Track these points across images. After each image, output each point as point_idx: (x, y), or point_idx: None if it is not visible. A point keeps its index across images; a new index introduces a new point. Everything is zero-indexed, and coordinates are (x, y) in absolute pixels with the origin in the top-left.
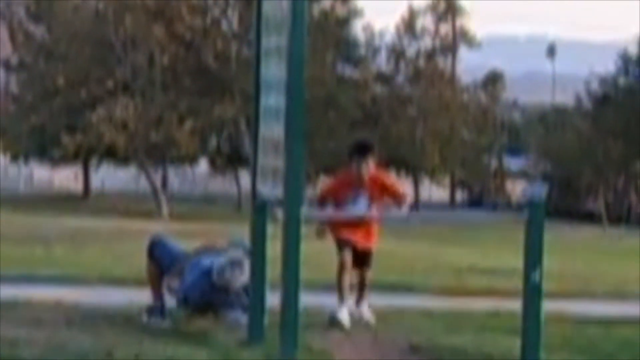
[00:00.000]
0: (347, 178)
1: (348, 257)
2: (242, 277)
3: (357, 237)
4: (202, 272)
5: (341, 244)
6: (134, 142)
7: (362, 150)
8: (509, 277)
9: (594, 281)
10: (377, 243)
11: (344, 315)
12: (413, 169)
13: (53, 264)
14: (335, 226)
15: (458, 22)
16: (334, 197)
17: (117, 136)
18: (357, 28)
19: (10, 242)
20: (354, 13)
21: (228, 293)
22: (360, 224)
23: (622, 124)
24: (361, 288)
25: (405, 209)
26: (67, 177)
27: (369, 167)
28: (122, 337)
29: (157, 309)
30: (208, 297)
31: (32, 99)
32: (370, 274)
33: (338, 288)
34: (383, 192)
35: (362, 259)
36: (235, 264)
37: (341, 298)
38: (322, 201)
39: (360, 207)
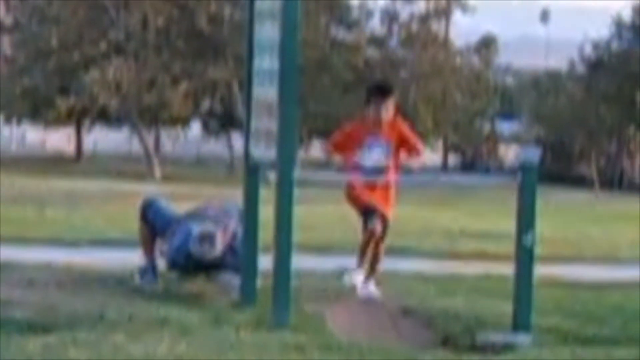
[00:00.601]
0: (363, 123)
1: (379, 226)
2: (213, 250)
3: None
4: (186, 237)
5: (369, 212)
6: (127, 104)
7: (382, 92)
8: (500, 241)
9: (585, 246)
10: (394, 209)
11: (358, 280)
12: None
13: (45, 226)
14: (354, 189)
15: None
16: (347, 145)
17: (110, 98)
18: None
19: (2, 204)
20: None
21: (203, 264)
22: (377, 183)
23: (615, 89)
24: (374, 261)
25: (417, 165)
26: (59, 139)
27: (389, 111)
28: (114, 299)
29: (149, 270)
30: (192, 262)
31: (25, 61)
32: (383, 247)
33: (360, 254)
34: (401, 142)
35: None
36: (204, 238)
37: (360, 263)
38: (333, 150)
39: (376, 156)
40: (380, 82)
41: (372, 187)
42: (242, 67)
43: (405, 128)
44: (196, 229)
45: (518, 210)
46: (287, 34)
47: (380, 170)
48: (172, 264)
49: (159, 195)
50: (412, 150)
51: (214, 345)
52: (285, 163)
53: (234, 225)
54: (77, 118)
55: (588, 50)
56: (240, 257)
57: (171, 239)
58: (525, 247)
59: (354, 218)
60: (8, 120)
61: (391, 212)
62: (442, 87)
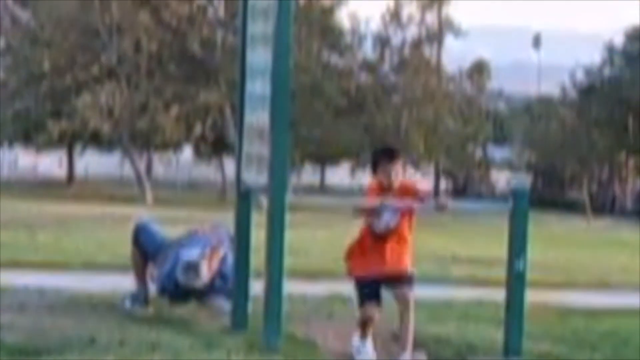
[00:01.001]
0: (378, 187)
1: (376, 313)
2: (198, 279)
3: (385, 260)
4: (175, 265)
5: (366, 290)
6: (119, 128)
7: (390, 156)
8: (492, 267)
9: (577, 272)
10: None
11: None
12: None
13: (36, 250)
14: (351, 259)
15: (444, 11)
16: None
17: (102, 122)
18: (343, 16)
19: None
20: (339, 1)
21: (191, 292)
22: (386, 240)
23: (606, 115)
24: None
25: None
26: (51, 163)
27: (398, 174)
28: (105, 323)
29: (141, 295)
30: (180, 290)
31: (17, 84)
32: (412, 314)
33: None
34: (412, 198)
35: (395, 284)
36: (189, 268)
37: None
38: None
39: (386, 218)
40: (387, 147)
41: (383, 248)
42: (234, 92)
43: (413, 186)
44: (184, 257)
45: (510, 236)
46: (279, 58)
47: (390, 232)
48: (162, 290)
49: (151, 219)
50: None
51: None
52: (277, 188)
53: (224, 249)
54: (68, 142)
55: (580, 76)
56: (231, 282)
57: (161, 265)
58: (517, 272)
59: (345, 243)
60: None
61: (409, 265)
62: (434, 112)
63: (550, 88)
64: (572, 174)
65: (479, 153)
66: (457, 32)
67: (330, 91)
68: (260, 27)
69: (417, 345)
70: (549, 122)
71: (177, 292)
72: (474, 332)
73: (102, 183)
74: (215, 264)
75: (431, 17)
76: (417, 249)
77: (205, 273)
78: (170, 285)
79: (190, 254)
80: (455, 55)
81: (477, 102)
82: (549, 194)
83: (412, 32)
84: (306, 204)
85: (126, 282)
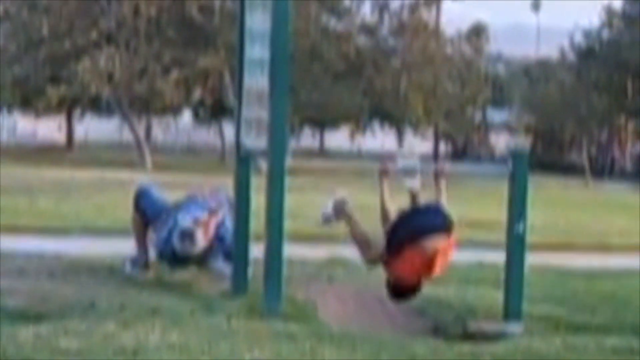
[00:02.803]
0: None
1: None
2: (194, 247)
3: None
4: (172, 231)
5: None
6: (118, 93)
7: None
8: (492, 230)
9: (576, 234)
10: None
11: None
12: (397, 121)
13: (36, 215)
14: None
15: None
16: None
17: (102, 87)
18: None
19: None
20: None
21: (188, 258)
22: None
23: (605, 78)
24: None
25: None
26: (50, 129)
27: None
28: (105, 288)
29: (141, 260)
30: (178, 257)
31: (16, 50)
32: None
33: None
34: None
35: None
36: (184, 236)
37: None
38: None
39: None
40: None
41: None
42: (233, 56)
43: None
44: (180, 222)
45: (509, 199)
46: (278, 23)
47: None
48: (160, 256)
49: (152, 184)
50: None
51: (206, 334)
52: (276, 152)
53: (223, 213)
54: (68, 107)
55: (579, 38)
56: (230, 245)
57: (159, 230)
58: (517, 235)
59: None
60: None
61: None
62: (433, 75)
63: (549, 51)
64: (571, 136)
65: (478, 116)
66: None
67: (329, 55)
68: None
69: (417, 309)
70: (547, 85)
71: (175, 259)
72: (474, 295)
73: (102, 148)
74: (211, 229)
75: None
76: None
77: (201, 240)
78: (167, 252)
79: (187, 219)
80: (453, 18)
81: (475, 65)
82: (548, 156)
83: None
84: (306, 168)
85: (126, 247)
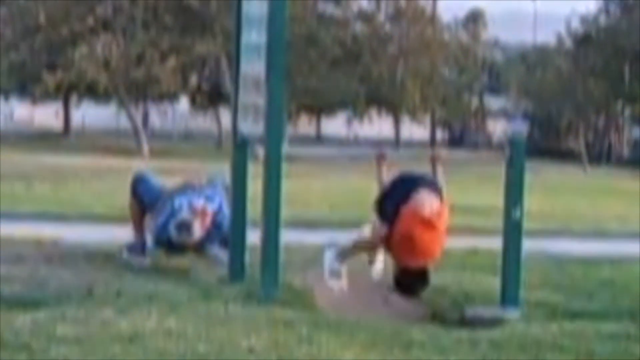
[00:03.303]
0: None
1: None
2: (191, 237)
3: None
4: (168, 218)
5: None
6: (115, 80)
7: None
8: (488, 216)
9: (574, 220)
10: None
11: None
12: (394, 108)
13: (33, 201)
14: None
15: None
16: None
17: (99, 73)
18: None
19: None
20: None
21: (185, 247)
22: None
23: (602, 64)
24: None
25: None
26: (47, 115)
27: None
28: (103, 274)
29: (138, 246)
30: (174, 245)
31: (13, 36)
32: None
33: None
34: None
35: None
36: (181, 227)
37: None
38: None
39: None
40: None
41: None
42: (230, 42)
43: None
44: (177, 211)
45: (506, 184)
46: (275, 8)
47: None
48: (157, 242)
49: (149, 170)
50: None
51: (203, 320)
52: (273, 138)
53: (220, 199)
54: (64, 93)
55: (575, 24)
56: (227, 232)
57: (156, 216)
58: (514, 221)
59: (341, 193)
60: None
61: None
62: (430, 62)
63: (546, 37)
64: (569, 123)
65: (475, 103)
66: None
67: (325, 41)
68: None
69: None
70: (545, 71)
71: (171, 247)
72: (470, 281)
73: (99, 134)
74: (209, 218)
75: None
76: None
77: (199, 230)
78: (164, 239)
79: (184, 207)
80: (450, 4)
81: (472, 51)
82: (545, 142)
83: None
84: (303, 154)
85: (123, 233)
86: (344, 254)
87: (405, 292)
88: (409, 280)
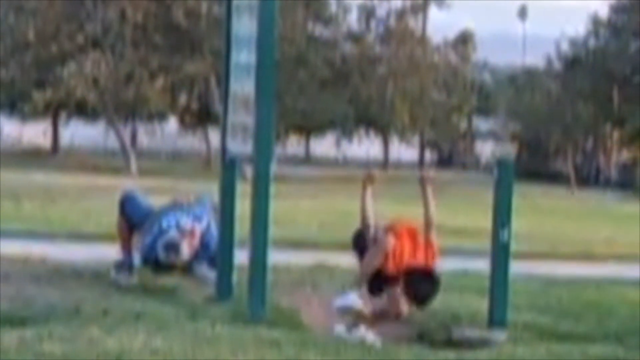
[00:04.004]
0: None
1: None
2: (179, 258)
3: None
4: (157, 235)
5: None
6: (104, 99)
7: None
8: (477, 237)
9: (561, 242)
10: None
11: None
12: (382, 129)
13: (21, 219)
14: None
15: None
16: None
17: (88, 92)
18: None
19: None
20: None
21: (172, 267)
22: None
23: (591, 86)
24: None
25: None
26: (36, 133)
27: None
28: (90, 293)
29: (125, 264)
30: (162, 265)
31: (2, 53)
32: None
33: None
34: None
35: None
36: (169, 248)
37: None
38: None
39: None
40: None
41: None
42: (219, 62)
43: None
44: (165, 231)
45: (494, 206)
46: (264, 28)
47: None
48: (145, 261)
49: (137, 189)
50: None
51: (190, 340)
52: (262, 158)
53: (208, 219)
54: (53, 112)
55: (565, 47)
56: (215, 251)
57: (144, 236)
58: (501, 243)
59: (329, 213)
60: None
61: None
62: (419, 83)
63: (536, 59)
64: (557, 145)
65: (463, 124)
66: (441, 2)
67: (315, 62)
68: None
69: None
70: (533, 94)
71: (159, 266)
72: (458, 302)
73: (87, 153)
74: (196, 239)
75: None
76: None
77: (186, 251)
78: (151, 259)
79: (172, 227)
80: (439, 26)
81: (461, 73)
82: (533, 165)
83: (396, 2)
84: (291, 174)
85: (111, 252)
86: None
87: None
88: (420, 285)
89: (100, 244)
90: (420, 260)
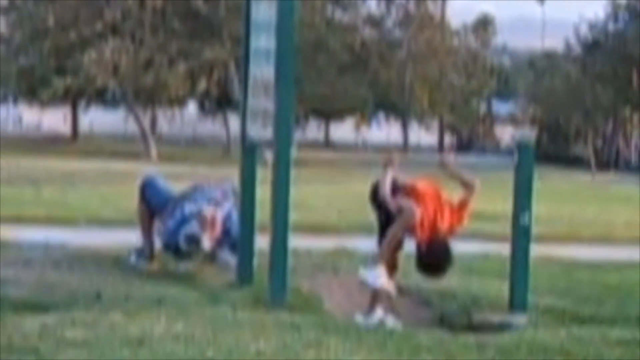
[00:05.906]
0: None
1: None
2: (200, 250)
3: None
4: (180, 222)
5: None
6: (124, 85)
7: None
8: (497, 221)
9: (581, 226)
10: None
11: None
12: (402, 113)
13: (41, 206)
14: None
15: None
16: None
17: (107, 78)
18: None
19: None
20: None
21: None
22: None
23: (610, 70)
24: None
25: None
26: (55, 119)
27: None
28: (111, 278)
29: (146, 250)
30: (183, 254)
31: (21, 40)
32: None
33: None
34: None
35: None
36: (190, 241)
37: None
38: None
39: None
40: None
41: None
42: (238, 48)
43: None
44: (188, 223)
45: (515, 190)
46: (284, 13)
47: None
48: (166, 247)
49: (158, 175)
50: None
51: (211, 325)
52: (282, 143)
53: (229, 205)
54: (73, 98)
55: (584, 30)
56: (236, 237)
57: (165, 221)
58: (522, 226)
59: (349, 198)
60: (4, 100)
61: None
62: (438, 67)
63: (555, 43)
64: (577, 129)
65: (483, 108)
66: None
67: (334, 47)
68: None
69: (422, 300)
70: (553, 77)
71: (179, 254)
72: (479, 286)
73: (107, 139)
74: (218, 228)
75: None
76: None
77: (207, 243)
78: (172, 245)
79: (194, 214)
80: (459, 10)
81: (481, 57)
82: (553, 148)
83: None
84: (311, 159)
85: (131, 237)
86: (379, 256)
87: (433, 271)
88: (435, 257)
89: (120, 229)
90: (445, 222)
